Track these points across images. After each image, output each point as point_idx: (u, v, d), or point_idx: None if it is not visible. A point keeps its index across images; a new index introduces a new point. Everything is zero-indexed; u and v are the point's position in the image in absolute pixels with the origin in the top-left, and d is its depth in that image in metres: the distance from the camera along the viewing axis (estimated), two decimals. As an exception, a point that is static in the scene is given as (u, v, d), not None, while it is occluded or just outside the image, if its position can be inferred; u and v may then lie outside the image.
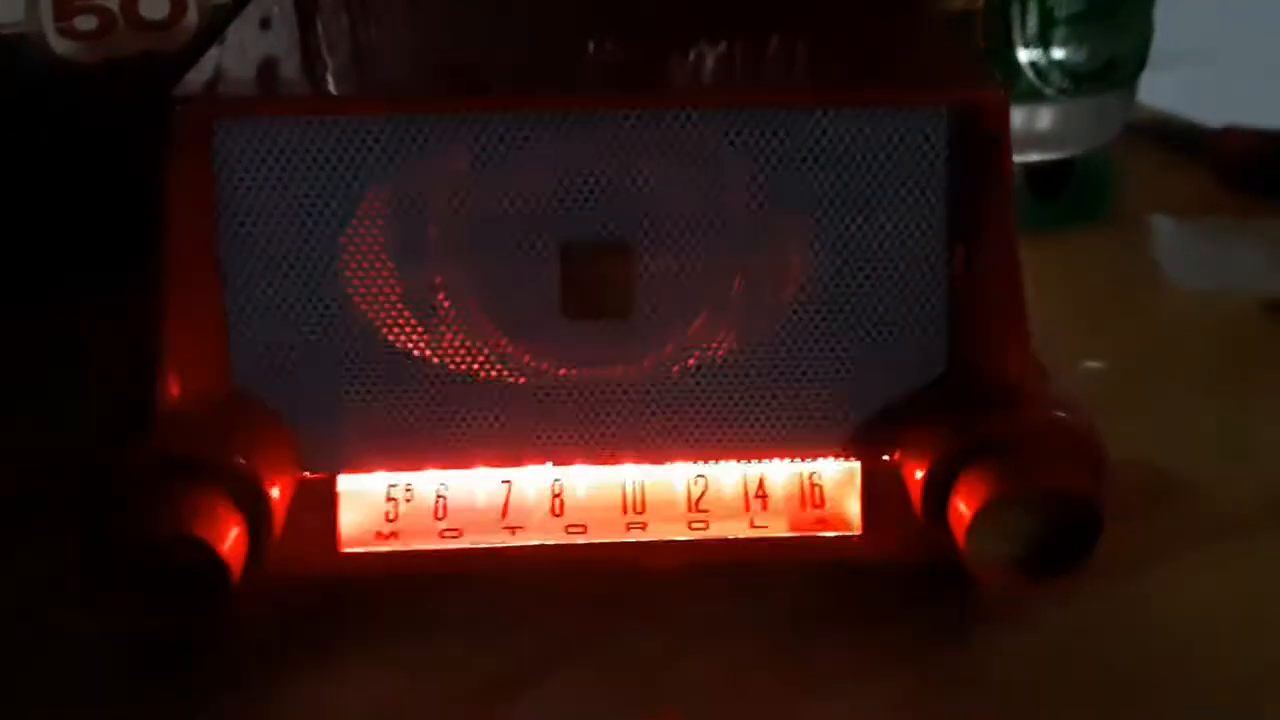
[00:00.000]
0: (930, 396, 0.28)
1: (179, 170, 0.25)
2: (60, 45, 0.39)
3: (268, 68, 0.29)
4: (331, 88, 0.28)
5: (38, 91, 0.39)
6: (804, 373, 0.28)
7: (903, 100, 0.26)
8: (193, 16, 0.40)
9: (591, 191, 0.27)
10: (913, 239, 0.27)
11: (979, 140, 0.26)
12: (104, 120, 0.39)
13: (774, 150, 0.27)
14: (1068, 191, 0.44)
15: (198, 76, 0.27)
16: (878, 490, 0.28)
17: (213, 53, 0.29)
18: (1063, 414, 0.27)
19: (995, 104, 0.25)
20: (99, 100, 0.39)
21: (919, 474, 0.27)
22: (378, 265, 0.27)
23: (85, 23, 0.39)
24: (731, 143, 0.27)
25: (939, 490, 0.26)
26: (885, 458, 0.28)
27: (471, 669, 0.26)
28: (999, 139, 0.26)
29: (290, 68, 0.29)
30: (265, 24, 0.32)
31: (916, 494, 0.27)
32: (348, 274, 0.27)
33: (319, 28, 0.32)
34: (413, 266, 0.27)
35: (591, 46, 0.30)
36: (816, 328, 0.28)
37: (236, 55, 0.29)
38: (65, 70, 0.39)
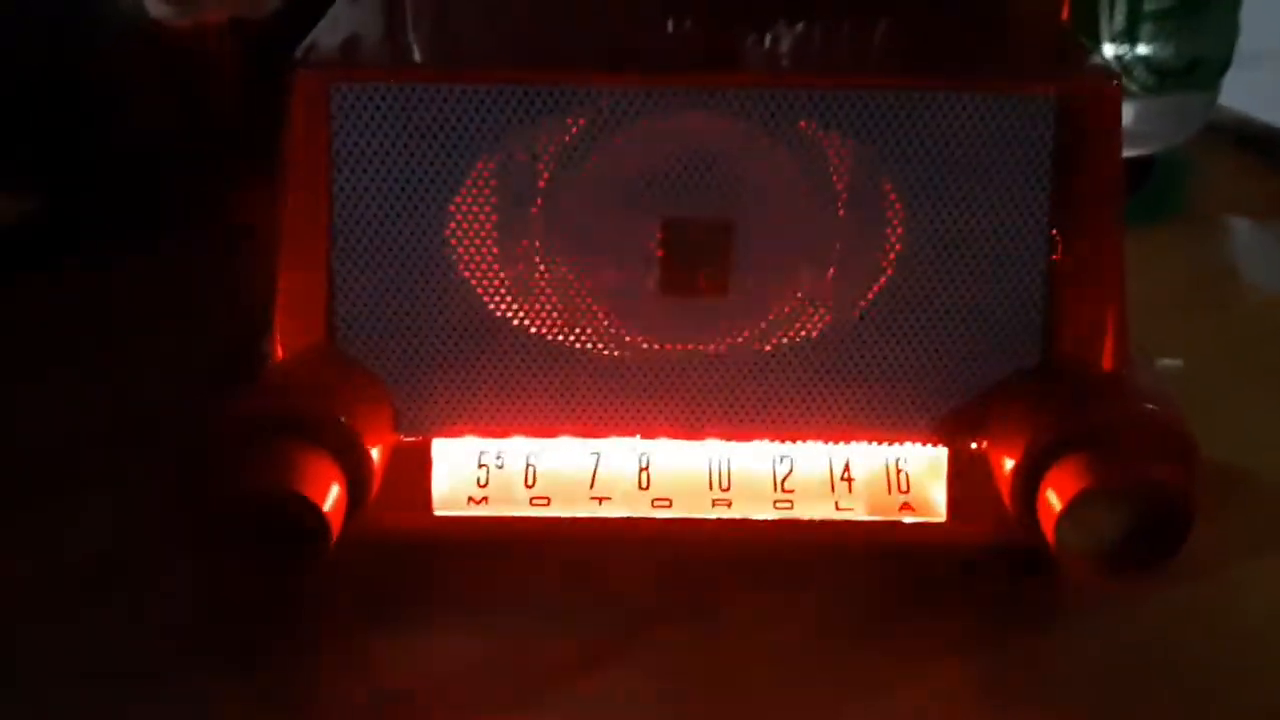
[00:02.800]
0: (1023, 385, 0.28)
1: (297, 132, 0.25)
2: (156, 8, 0.40)
3: (383, 38, 0.29)
4: (445, 57, 0.28)
5: (132, 52, 0.39)
6: (895, 356, 0.28)
7: (1013, 87, 0.26)
8: (281, -15, 0.40)
9: (696, 168, 0.27)
10: (1013, 226, 0.27)
11: (1089, 130, 0.26)
12: (193, 80, 0.40)
13: (878, 132, 0.27)
14: (1145, 188, 0.43)
15: (317, 42, 0.27)
16: (964, 478, 0.28)
17: (326, 23, 0.29)
18: (1156, 407, 0.27)
19: (1108, 94, 0.25)
20: (190, 62, 0.40)
21: (1009, 463, 0.27)
22: (483, 233, 0.27)
23: (180, -14, 0.40)
24: (837, 123, 0.27)
25: (1029, 480, 0.26)
26: (974, 445, 0.28)
27: (554, 639, 0.27)
28: (1110, 129, 0.26)
29: (404, 36, 0.30)
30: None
31: (1005, 483, 0.27)
32: (453, 241, 0.27)
33: (427, 5, 0.32)
34: (517, 236, 0.27)
35: (694, 24, 0.30)
36: (910, 311, 0.28)
37: (351, 26, 0.30)
38: (159, 32, 0.40)
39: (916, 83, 0.26)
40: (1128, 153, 0.43)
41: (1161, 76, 0.41)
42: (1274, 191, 0.47)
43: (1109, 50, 0.41)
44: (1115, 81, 0.25)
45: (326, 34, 0.28)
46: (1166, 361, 0.37)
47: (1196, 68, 0.42)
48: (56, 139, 0.41)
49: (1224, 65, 0.43)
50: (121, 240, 0.40)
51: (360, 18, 0.31)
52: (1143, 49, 0.41)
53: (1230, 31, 0.43)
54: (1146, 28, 0.41)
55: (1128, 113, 0.43)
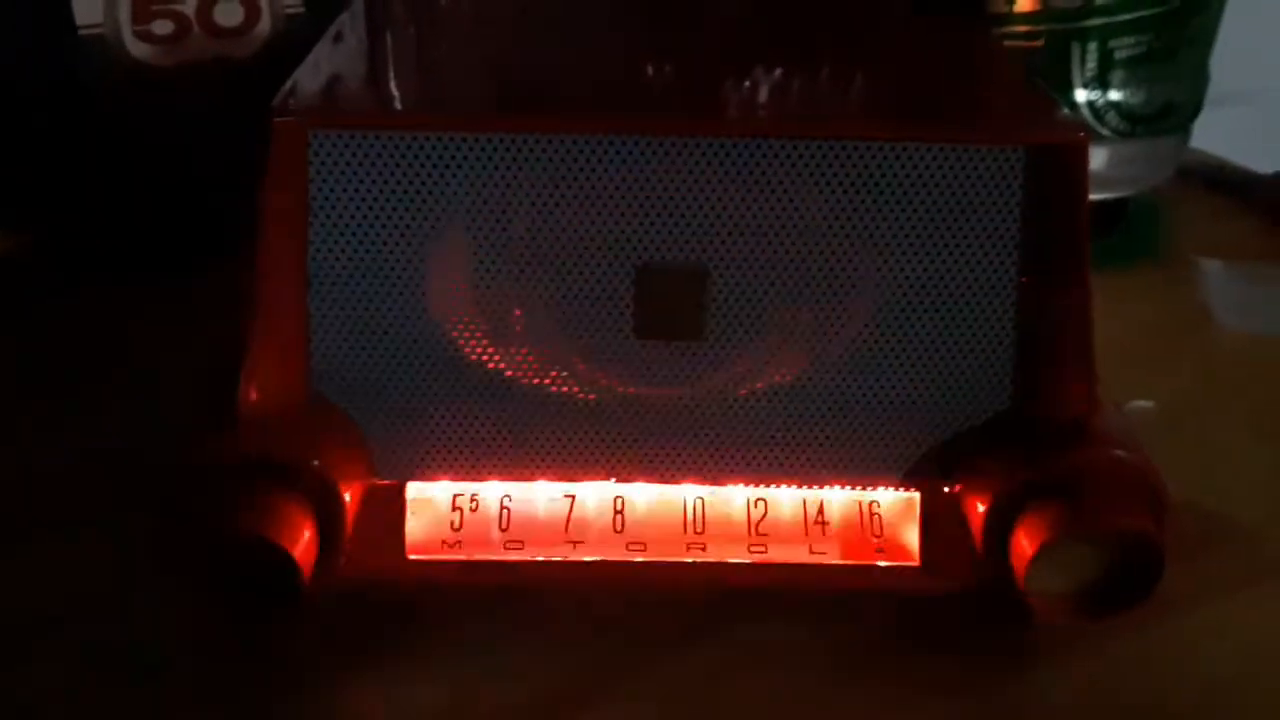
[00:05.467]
0: (994, 430, 0.28)
1: (275, 179, 0.26)
2: (137, 48, 0.40)
3: (361, 84, 0.30)
4: (423, 105, 0.29)
5: (113, 92, 0.40)
6: (868, 401, 0.28)
7: (982, 139, 0.26)
8: (265, 24, 0.41)
9: (669, 215, 0.27)
10: (983, 274, 0.28)
11: (1057, 181, 0.26)
12: (175, 121, 0.40)
13: (849, 181, 0.27)
14: (1118, 231, 0.44)
15: (295, 88, 0.28)
16: (937, 521, 0.28)
17: (307, 66, 0.29)
18: (1126, 453, 0.27)
19: (1076, 146, 0.26)
20: (171, 102, 0.40)
21: (980, 507, 0.27)
22: (458, 279, 0.27)
23: (162, 27, 0.40)
24: (809, 172, 0.27)
25: (1001, 524, 0.27)
26: (946, 489, 0.28)
27: (525, 683, 0.27)
28: (1077, 181, 0.26)
29: (383, 85, 0.30)
30: (339, 39, 0.32)
31: (977, 527, 0.27)
32: (428, 287, 0.27)
33: (405, 46, 0.32)
34: (491, 282, 0.27)
35: (670, 72, 0.30)
36: (883, 357, 0.28)
37: (330, 71, 0.30)
38: (140, 72, 0.40)
39: (889, 134, 0.26)
40: (1101, 196, 0.45)
41: (1133, 121, 0.42)
42: (1245, 233, 0.48)
43: (1081, 96, 0.41)
44: (1082, 134, 0.26)
45: (307, 77, 0.29)
46: (1138, 403, 0.37)
47: (1168, 112, 0.43)
48: (41, 178, 0.41)
49: (1195, 109, 0.44)
50: (104, 278, 0.40)
51: (341, 60, 0.31)
52: (1114, 94, 0.41)
53: (1201, 76, 0.44)
54: (1118, 74, 0.41)
55: (1100, 157, 0.44)
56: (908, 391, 0.28)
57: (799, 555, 0.29)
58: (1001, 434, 0.28)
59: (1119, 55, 0.41)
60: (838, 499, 0.29)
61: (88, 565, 0.29)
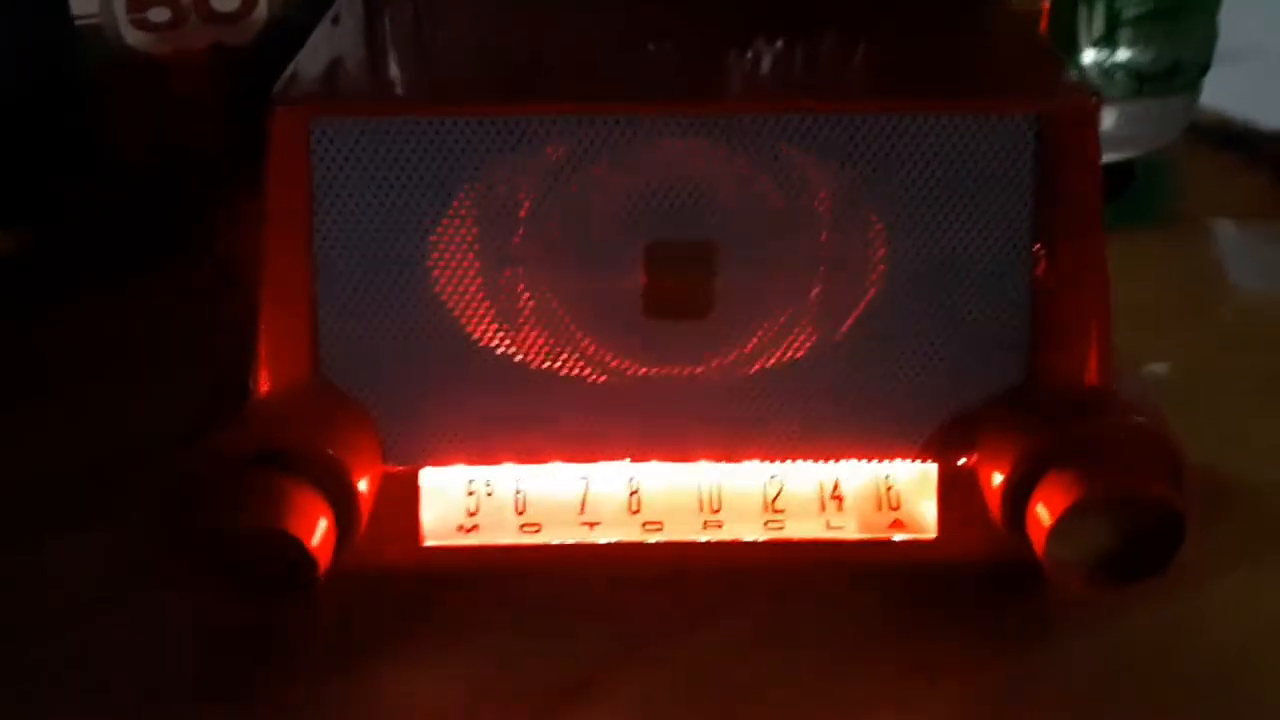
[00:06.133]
0: (1010, 401, 0.28)
1: (278, 168, 0.25)
2: (133, 36, 0.40)
3: (362, 69, 0.29)
4: (424, 90, 0.28)
5: (111, 81, 0.39)
6: (881, 375, 0.28)
7: (992, 108, 0.26)
8: (262, 10, 0.40)
9: (676, 194, 0.27)
10: (995, 243, 0.27)
11: (1068, 147, 0.26)
12: (172, 109, 0.40)
13: (858, 154, 0.27)
14: (1129, 192, 0.44)
15: (296, 76, 0.27)
16: (954, 494, 0.28)
17: (306, 51, 0.29)
18: (1143, 420, 0.27)
19: (1087, 112, 0.25)
20: (168, 90, 0.40)
21: (998, 478, 0.27)
22: (465, 263, 0.27)
23: (158, 15, 0.40)
24: (817, 148, 0.27)
25: (1018, 495, 0.26)
26: (962, 461, 0.28)
27: (544, 666, 0.27)
28: (1089, 146, 0.26)
29: (384, 69, 0.30)
30: (337, 21, 0.32)
31: (995, 499, 0.27)
32: (436, 271, 0.27)
33: (405, 29, 0.32)
34: (499, 265, 0.27)
35: (673, 50, 0.30)
36: (895, 330, 0.28)
37: (330, 56, 0.30)
38: (137, 60, 0.39)
39: (895, 106, 0.26)
40: (1110, 157, 0.44)
41: (1141, 81, 0.41)
42: (1255, 190, 0.47)
43: (1088, 56, 0.41)
44: (1093, 99, 0.25)
45: (307, 63, 0.28)
46: (1153, 366, 0.37)
47: (1176, 71, 0.42)
48: (39, 172, 0.41)
49: (1204, 68, 0.43)
50: (107, 270, 0.40)
51: (340, 44, 0.31)
52: (1122, 54, 0.41)
53: (1209, 34, 0.43)
54: (1126, 33, 0.41)
55: (1109, 118, 0.44)
56: (922, 364, 0.28)
57: (816, 531, 0.29)
58: (1018, 403, 0.28)
59: (1126, 14, 0.41)
60: (854, 474, 0.29)
61: (90, 564, 0.29)
